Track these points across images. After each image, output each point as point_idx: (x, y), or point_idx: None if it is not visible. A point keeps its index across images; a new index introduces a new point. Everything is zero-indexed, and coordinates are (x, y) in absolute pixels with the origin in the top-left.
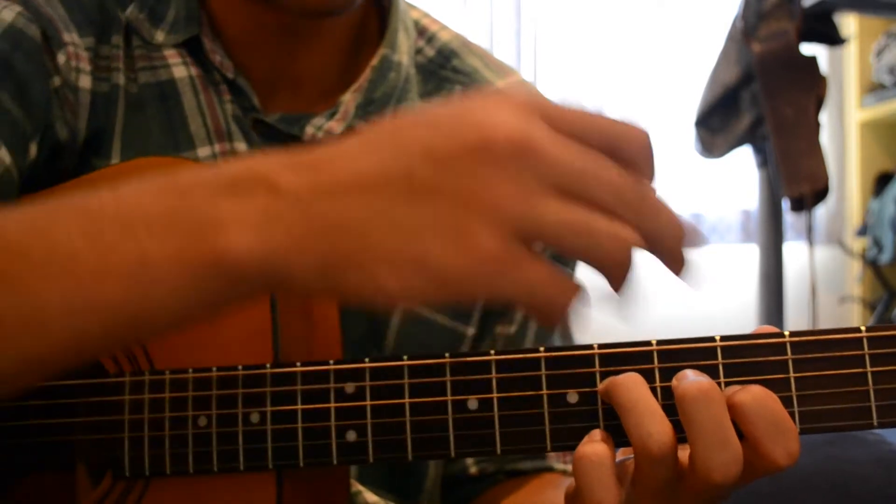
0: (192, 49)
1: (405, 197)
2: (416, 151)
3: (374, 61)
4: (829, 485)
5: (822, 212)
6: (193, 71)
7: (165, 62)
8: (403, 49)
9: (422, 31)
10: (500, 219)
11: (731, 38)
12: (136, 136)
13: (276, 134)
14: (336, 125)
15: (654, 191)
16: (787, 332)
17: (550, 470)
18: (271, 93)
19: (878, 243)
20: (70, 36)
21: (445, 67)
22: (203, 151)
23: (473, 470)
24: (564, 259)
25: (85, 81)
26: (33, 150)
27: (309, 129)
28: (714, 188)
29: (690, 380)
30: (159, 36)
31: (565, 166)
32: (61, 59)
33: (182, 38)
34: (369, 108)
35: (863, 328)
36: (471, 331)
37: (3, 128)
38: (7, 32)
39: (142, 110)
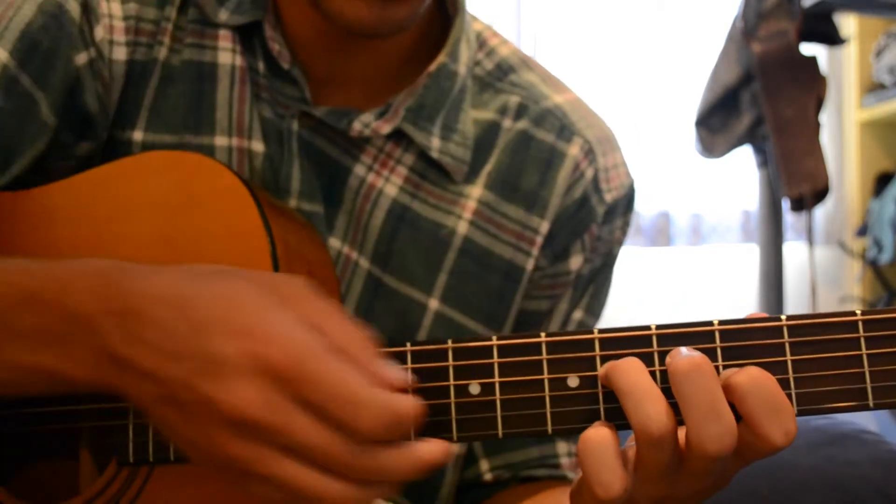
0: (247, 37)
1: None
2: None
3: (432, 68)
4: (829, 485)
5: (821, 212)
6: (238, 61)
7: (216, 44)
8: (463, 60)
9: (482, 44)
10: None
11: (731, 38)
12: (163, 110)
13: (323, 127)
14: (384, 125)
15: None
16: (783, 316)
17: (564, 479)
18: (323, 89)
19: (878, 243)
20: (108, 6)
21: (502, 80)
22: (220, 141)
23: (488, 477)
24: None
25: (120, 53)
26: (51, 121)
27: (356, 125)
28: (714, 188)
29: (683, 355)
30: (222, 15)
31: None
32: (99, 33)
33: (245, 21)
34: (420, 112)
35: (858, 311)
36: None
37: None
38: (45, 2)
39: (175, 85)
